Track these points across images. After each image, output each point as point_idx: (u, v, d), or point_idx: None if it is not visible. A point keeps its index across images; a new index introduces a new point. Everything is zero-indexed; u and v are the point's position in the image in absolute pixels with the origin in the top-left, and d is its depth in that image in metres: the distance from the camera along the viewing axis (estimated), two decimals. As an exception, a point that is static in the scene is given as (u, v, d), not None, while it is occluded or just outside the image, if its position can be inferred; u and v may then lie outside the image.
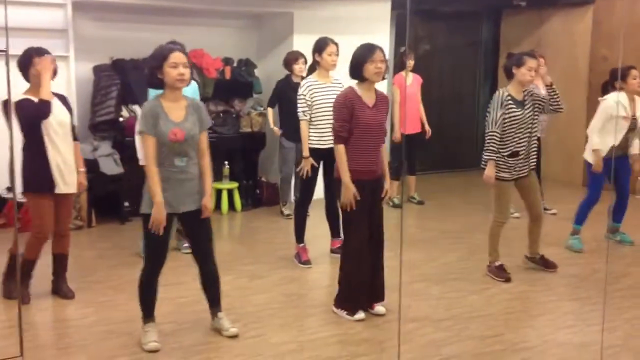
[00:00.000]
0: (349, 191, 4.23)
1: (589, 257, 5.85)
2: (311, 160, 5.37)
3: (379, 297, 4.49)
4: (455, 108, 10.31)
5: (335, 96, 4.52)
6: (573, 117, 6.36)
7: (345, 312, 4.39)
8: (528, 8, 9.44)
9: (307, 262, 5.51)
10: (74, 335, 4.10)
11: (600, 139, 5.79)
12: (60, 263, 4.72)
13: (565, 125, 8.54)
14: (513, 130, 5.00)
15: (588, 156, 5.94)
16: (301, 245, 5.60)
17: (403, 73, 7.59)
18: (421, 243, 6.14)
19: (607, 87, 6.12)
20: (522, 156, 5.08)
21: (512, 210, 7.15)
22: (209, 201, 3.91)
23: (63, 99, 4.70)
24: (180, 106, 3.84)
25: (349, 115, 4.19)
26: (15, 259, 4.51)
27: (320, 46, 5.44)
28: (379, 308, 4.48)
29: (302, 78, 6.88)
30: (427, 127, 7.77)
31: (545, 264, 5.43)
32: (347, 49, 5.68)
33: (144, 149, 3.80)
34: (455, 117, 10.33)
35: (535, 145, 5.21)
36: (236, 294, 4.87)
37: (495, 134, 4.99)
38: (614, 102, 5.71)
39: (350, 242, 4.35)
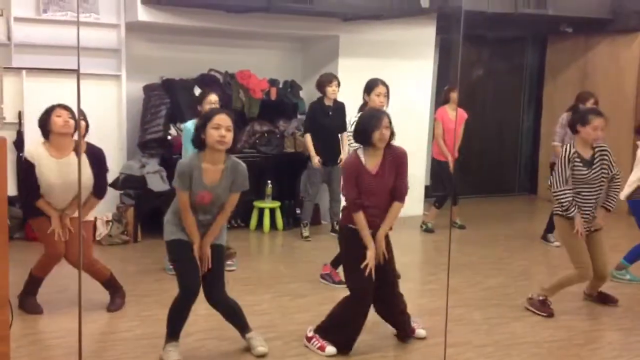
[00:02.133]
0: (372, 251, 4.17)
1: (635, 287, 5.75)
2: None
3: (407, 332, 4.43)
4: (499, 133, 10.28)
5: None
6: (618, 146, 6.27)
7: (317, 343, 4.23)
8: (574, 34, 9.40)
9: (341, 282, 5.50)
10: (120, 348, 4.19)
11: None
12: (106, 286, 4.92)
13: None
14: (579, 189, 4.91)
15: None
16: (335, 270, 5.60)
17: (447, 107, 7.60)
18: (462, 267, 6.11)
19: None
20: (588, 214, 4.95)
21: (553, 239, 7.09)
22: (209, 237, 4.00)
23: (93, 155, 4.64)
24: (218, 169, 3.90)
25: (357, 181, 4.18)
26: (33, 278, 4.74)
27: (369, 86, 5.54)
28: (419, 331, 4.47)
29: (335, 101, 6.98)
30: (451, 155, 7.62)
31: (604, 299, 5.30)
32: (392, 73, 5.78)
33: (179, 201, 3.94)
34: (499, 142, 10.30)
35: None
36: (277, 312, 4.92)
37: (565, 192, 4.89)
38: None
39: (354, 286, 4.24)
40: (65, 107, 4.58)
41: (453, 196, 7.53)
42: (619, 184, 5.01)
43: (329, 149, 7.02)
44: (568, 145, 4.98)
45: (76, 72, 2.81)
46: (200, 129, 3.85)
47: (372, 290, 4.18)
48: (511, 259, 6.56)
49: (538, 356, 4.28)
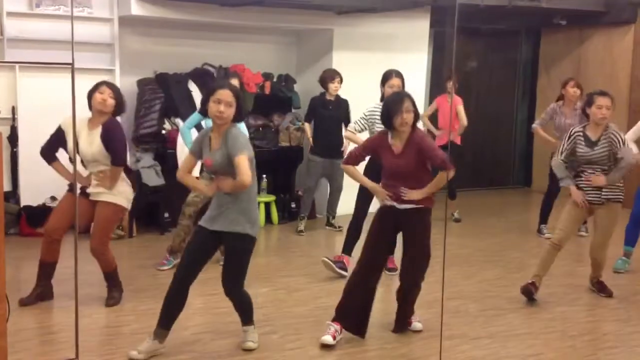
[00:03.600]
0: (378, 193, 4.36)
1: (631, 278, 5.78)
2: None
3: (402, 322, 4.47)
4: (493, 126, 10.29)
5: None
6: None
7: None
8: (568, 27, 9.40)
9: (344, 269, 5.52)
10: (117, 342, 4.18)
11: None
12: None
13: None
14: (582, 168, 5.06)
15: None
16: (347, 256, 5.61)
17: (447, 96, 7.59)
18: (457, 260, 6.12)
19: None
20: (591, 195, 5.03)
21: (545, 231, 7.13)
22: (218, 181, 3.94)
23: (105, 127, 4.73)
24: (220, 137, 3.93)
25: (370, 152, 4.46)
26: (42, 266, 4.74)
27: (384, 78, 5.59)
28: (415, 324, 4.49)
29: (337, 97, 7.01)
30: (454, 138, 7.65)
31: (601, 289, 5.32)
32: (386, 66, 5.77)
33: (183, 163, 4.11)
34: (493, 135, 10.31)
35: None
36: (273, 305, 4.93)
37: (559, 161, 5.09)
38: None
39: (359, 261, 4.37)
40: (110, 86, 4.79)
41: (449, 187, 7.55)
42: (623, 165, 4.99)
43: (329, 141, 7.04)
44: (580, 126, 5.14)
45: (70, 67, 2.80)
46: (205, 101, 3.95)
47: (378, 266, 4.34)
48: (506, 252, 6.58)
49: (534, 347, 4.29)
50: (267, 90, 7.71)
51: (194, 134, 5.93)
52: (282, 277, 5.66)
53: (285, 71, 8.06)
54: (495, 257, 6.42)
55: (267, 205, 7.51)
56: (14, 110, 6.62)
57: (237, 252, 3.97)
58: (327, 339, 4.18)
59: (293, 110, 7.94)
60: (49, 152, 4.79)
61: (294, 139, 7.70)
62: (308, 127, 7.24)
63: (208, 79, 7.28)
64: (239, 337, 4.26)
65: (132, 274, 5.55)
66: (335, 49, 7.83)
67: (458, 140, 7.70)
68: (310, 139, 7.17)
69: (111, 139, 4.70)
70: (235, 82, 5.72)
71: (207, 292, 5.18)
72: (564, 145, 5.10)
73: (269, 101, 7.78)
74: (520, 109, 10.53)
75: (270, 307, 4.88)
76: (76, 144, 4.22)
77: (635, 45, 8.75)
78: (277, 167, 7.72)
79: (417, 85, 7.76)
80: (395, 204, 4.27)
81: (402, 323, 4.45)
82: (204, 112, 4.00)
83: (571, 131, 5.10)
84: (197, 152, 4.01)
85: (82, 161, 4.72)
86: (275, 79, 7.90)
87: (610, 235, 5.14)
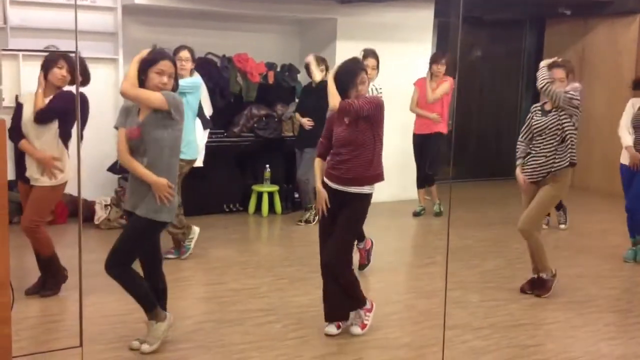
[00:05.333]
0: (320, 195, 4.21)
1: (633, 269, 5.80)
2: None
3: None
4: (497, 117, 10.27)
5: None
6: (617, 127, 6.31)
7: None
8: (573, 17, 9.37)
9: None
10: (121, 331, 4.20)
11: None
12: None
13: (609, 136, 8.43)
14: (535, 139, 5.04)
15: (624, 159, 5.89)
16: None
17: (427, 77, 7.49)
18: (459, 251, 6.14)
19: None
20: (536, 165, 4.99)
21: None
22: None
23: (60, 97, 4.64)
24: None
25: (329, 133, 4.21)
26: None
27: (362, 56, 5.55)
28: (353, 328, 4.27)
29: (323, 83, 6.94)
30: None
31: (530, 287, 5.12)
32: (389, 56, 5.78)
33: (119, 143, 3.86)
34: (496, 125, 10.30)
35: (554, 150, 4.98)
36: (276, 295, 4.94)
37: (520, 142, 5.18)
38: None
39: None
40: (68, 60, 4.59)
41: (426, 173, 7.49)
42: (564, 149, 4.93)
43: (316, 129, 6.99)
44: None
45: (74, 55, 2.80)
46: (143, 71, 3.77)
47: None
48: (507, 242, 6.58)
49: (535, 338, 4.31)
50: (271, 80, 7.70)
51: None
52: (285, 266, 5.67)
53: (289, 61, 8.04)
54: (496, 248, 6.43)
55: (271, 195, 7.52)
56: (17, 99, 6.61)
57: (128, 230, 3.93)
58: (331, 329, 4.20)
59: (296, 100, 7.92)
60: (16, 132, 4.64)
61: (297, 128, 7.69)
62: (299, 116, 7.16)
63: (211, 68, 7.27)
64: (241, 326, 4.29)
65: (135, 263, 5.56)
66: (338, 39, 7.82)
67: (445, 129, 7.51)
68: (301, 121, 7.06)
69: (58, 108, 4.62)
70: (186, 54, 5.58)
71: (209, 282, 5.21)
72: (525, 122, 5.16)
73: (272, 91, 7.77)
74: (524, 99, 10.50)
75: (273, 297, 4.90)
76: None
77: (640, 35, 8.72)
78: (280, 157, 7.72)
79: (420, 75, 7.73)
80: (330, 183, 4.20)
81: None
82: (139, 85, 3.79)
83: (532, 107, 5.16)
84: (123, 124, 3.85)
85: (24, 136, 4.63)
86: (278, 69, 7.89)
87: (539, 212, 5.00)
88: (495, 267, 5.78)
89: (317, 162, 4.33)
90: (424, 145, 7.51)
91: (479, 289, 5.20)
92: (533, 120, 5.07)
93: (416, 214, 7.60)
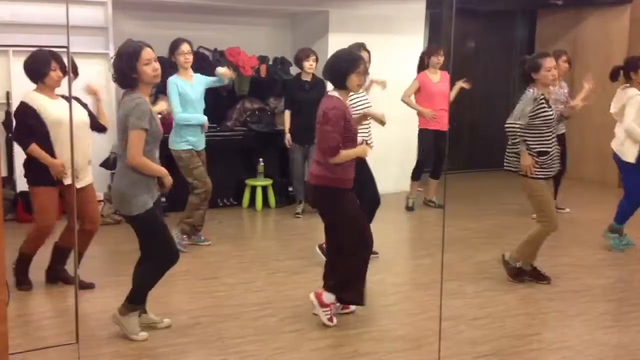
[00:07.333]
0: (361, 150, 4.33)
1: (628, 258, 5.82)
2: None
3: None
4: (489, 107, 10.27)
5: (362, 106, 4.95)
6: (609, 117, 6.33)
7: (328, 314, 4.29)
8: (564, 7, 9.37)
9: None
10: (115, 327, 4.16)
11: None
12: (62, 256, 4.86)
13: (600, 126, 8.46)
14: (547, 132, 4.91)
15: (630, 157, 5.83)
16: None
17: (427, 72, 7.48)
18: (454, 242, 6.14)
19: (618, 73, 6.13)
20: (551, 155, 4.97)
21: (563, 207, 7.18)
22: None
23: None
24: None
25: (344, 126, 4.15)
26: (22, 257, 4.73)
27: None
28: (322, 315, 4.30)
29: (313, 76, 6.93)
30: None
31: (537, 277, 5.16)
32: (382, 48, 5.77)
33: (138, 145, 3.68)
34: (489, 116, 10.29)
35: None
36: (272, 289, 4.94)
37: (516, 124, 4.88)
38: None
39: (361, 236, 4.32)
40: (58, 60, 4.62)
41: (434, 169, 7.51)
42: None
43: (308, 125, 6.94)
44: (535, 89, 4.94)
45: (65, 50, 2.77)
46: (130, 68, 3.67)
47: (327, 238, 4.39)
48: (502, 234, 6.59)
49: (531, 327, 4.32)
50: (263, 74, 7.68)
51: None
52: (280, 260, 5.67)
53: (281, 54, 8.02)
54: (491, 239, 6.44)
55: (264, 189, 7.51)
56: (8, 95, 6.58)
57: None
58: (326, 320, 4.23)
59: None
60: (28, 137, 4.53)
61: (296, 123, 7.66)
62: (287, 116, 6.99)
63: (203, 62, 7.24)
64: (237, 320, 4.29)
65: (129, 259, 5.52)
66: (331, 31, 7.79)
67: (445, 127, 7.47)
68: (288, 131, 6.95)
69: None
70: (187, 47, 5.84)
71: (204, 276, 5.20)
72: (525, 108, 4.86)
73: (265, 84, 7.75)
74: (517, 90, 10.49)
75: (269, 291, 4.90)
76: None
77: (632, 25, 8.73)
78: (274, 151, 7.71)
79: (412, 67, 7.73)
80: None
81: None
82: (128, 84, 3.71)
83: (534, 94, 4.88)
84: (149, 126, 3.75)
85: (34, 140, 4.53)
86: (271, 62, 7.86)
87: (536, 207, 5.08)
88: (490, 258, 5.78)
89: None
90: (438, 140, 7.45)
91: (474, 280, 5.20)
92: (546, 113, 4.87)
93: (410, 209, 7.59)
